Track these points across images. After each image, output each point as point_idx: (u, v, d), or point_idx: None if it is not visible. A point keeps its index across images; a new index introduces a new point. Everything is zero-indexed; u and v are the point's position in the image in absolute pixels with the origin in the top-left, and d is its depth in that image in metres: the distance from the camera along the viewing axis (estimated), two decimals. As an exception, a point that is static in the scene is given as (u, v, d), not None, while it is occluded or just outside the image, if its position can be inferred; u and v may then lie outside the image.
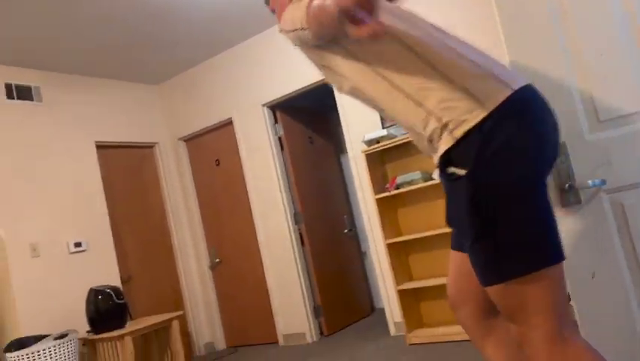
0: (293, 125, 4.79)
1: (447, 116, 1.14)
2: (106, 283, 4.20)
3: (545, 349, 1.09)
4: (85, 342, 3.74)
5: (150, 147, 5.12)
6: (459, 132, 1.12)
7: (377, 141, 3.70)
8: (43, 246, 3.95)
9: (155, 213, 4.99)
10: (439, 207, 3.75)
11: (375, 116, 3.97)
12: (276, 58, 4.47)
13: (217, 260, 5.01)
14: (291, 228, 4.50)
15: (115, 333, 3.54)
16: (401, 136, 3.64)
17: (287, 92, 4.45)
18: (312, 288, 4.53)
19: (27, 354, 3.28)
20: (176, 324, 3.90)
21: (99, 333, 3.65)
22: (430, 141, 1.18)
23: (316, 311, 4.50)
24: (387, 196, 3.76)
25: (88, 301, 3.68)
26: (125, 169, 4.85)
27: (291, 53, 4.33)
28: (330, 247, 4.81)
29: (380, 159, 3.93)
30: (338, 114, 5.38)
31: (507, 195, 1.09)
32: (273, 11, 1.52)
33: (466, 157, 1.12)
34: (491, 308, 1.33)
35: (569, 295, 1.17)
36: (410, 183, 3.61)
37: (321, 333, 4.50)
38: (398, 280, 3.67)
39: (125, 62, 4.51)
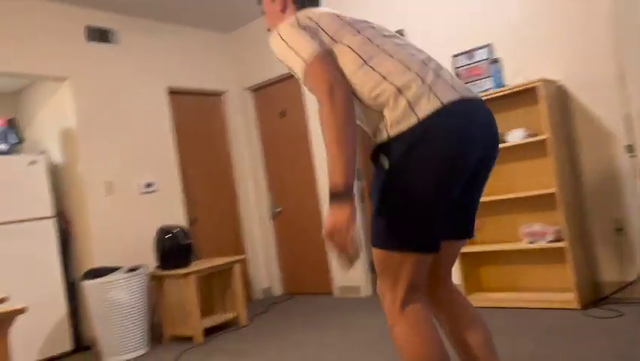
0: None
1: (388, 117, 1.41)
2: (173, 224, 4.40)
3: (391, 310, 1.44)
4: (152, 277, 3.97)
5: (219, 95, 5.20)
6: (393, 132, 1.39)
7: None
8: (117, 184, 4.16)
9: (221, 159, 5.12)
10: (508, 171, 3.60)
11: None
12: (351, 8, 4.35)
13: (278, 209, 5.12)
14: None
15: (181, 271, 3.72)
16: (475, 95, 3.48)
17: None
18: (369, 244, 4.54)
19: (102, 283, 3.53)
20: (237, 267, 4.05)
21: (166, 270, 3.85)
22: (376, 131, 1.46)
23: (372, 266, 4.54)
24: (454, 157, 3.64)
25: (157, 240, 3.87)
26: (195, 115, 4.97)
27: (337, 6, 4.20)
28: (391, 205, 4.77)
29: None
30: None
31: (405, 195, 1.38)
32: (269, 30, 1.78)
33: (392, 155, 1.39)
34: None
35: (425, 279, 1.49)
36: (481, 144, 3.47)
37: (375, 288, 4.54)
38: (459, 243, 3.60)
39: (199, 8, 4.53)
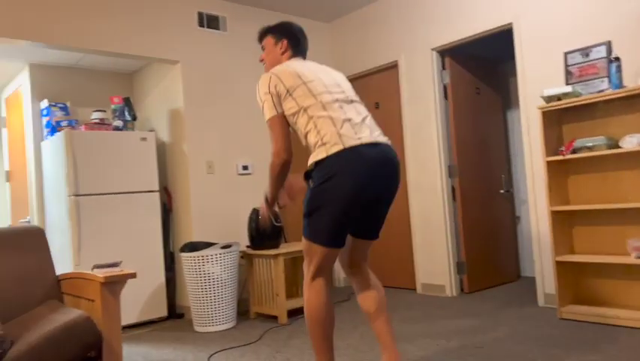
0: (461, 73, 4.56)
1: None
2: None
3: (306, 280, 2.17)
4: (243, 255, 4.14)
5: (315, 83, 5.28)
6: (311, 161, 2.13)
7: (558, 98, 3.36)
8: (217, 165, 4.38)
9: (312, 147, 5.21)
10: (618, 179, 3.35)
11: (559, 70, 3.61)
12: (451, 1, 4.23)
13: (365, 201, 5.12)
14: (444, 180, 4.40)
15: (271, 252, 3.85)
16: (587, 95, 3.27)
17: (459, 38, 4.22)
18: (458, 243, 4.44)
19: (198, 256, 3.74)
20: (323, 254, 4.11)
21: (256, 249, 4.00)
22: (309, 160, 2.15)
23: (459, 267, 4.43)
24: (559, 160, 3.45)
25: (250, 220, 4.04)
26: (291, 102, 5.09)
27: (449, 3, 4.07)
28: (482, 206, 4.62)
29: (557, 118, 3.59)
30: (511, 65, 5.02)
31: (317, 207, 2.06)
32: (262, 61, 2.48)
33: (313, 179, 2.11)
34: (352, 262, 2.34)
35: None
36: (591, 148, 3.26)
37: (461, 289, 4.44)
38: (557, 251, 3.42)
39: (303, -3, 4.62)
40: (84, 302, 2.20)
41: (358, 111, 2.19)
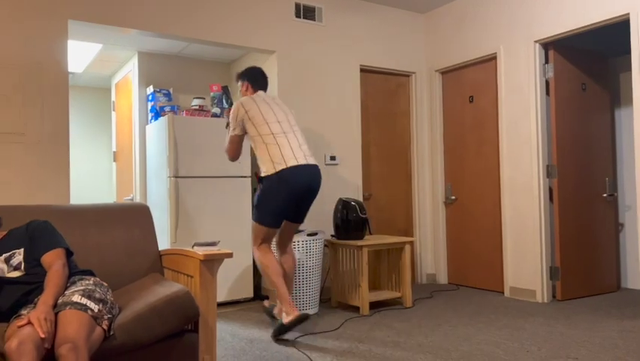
0: (566, 67, 4.28)
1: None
2: (352, 197, 4.58)
3: (254, 247, 3.35)
4: (328, 244, 4.20)
5: (408, 75, 5.20)
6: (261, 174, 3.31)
7: (680, 96, 3.06)
8: (306, 153, 4.45)
9: (401, 140, 5.15)
10: None
11: (682, 67, 3.27)
12: (563, -11, 3.97)
13: (453, 197, 5.00)
14: (542, 180, 4.17)
15: (356, 242, 3.87)
16: None
17: (566, 30, 3.96)
18: (553, 247, 4.21)
19: (285, 242, 3.83)
20: (408, 248, 4.07)
21: (341, 239, 4.04)
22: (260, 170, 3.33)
23: (552, 272, 4.19)
24: (677, 164, 3.15)
25: (336, 210, 4.07)
26: (382, 94, 5.06)
27: (584, -16, 3.79)
28: (583, 210, 4.33)
29: (677, 118, 3.27)
30: (623, 60, 4.65)
31: (265, 202, 3.25)
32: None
33: (263, 183, 3.28)
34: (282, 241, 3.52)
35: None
36: None
37: (554, 296, 4.20)
38: (669, 263, 3.13)
39: (399, -13, 4.54)
40: (183, 277, 2.33)
41: (297, 138, 3.31)
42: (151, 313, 1.94)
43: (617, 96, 4.77)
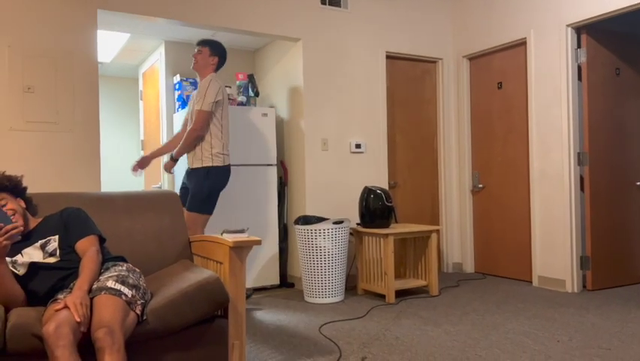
0: (599, 51, 4.16)
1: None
2: (377, 185, 4.56)
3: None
4: (353, 232, 4.19)
5: (434, 62, 5.13)
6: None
7: None
8: (331, 142, 4.45)
9: (427, 127, 5.09)
10: None
11: None
12: (597, -30, 3.84)
13: (480, 185, 4.93)
14: (572, 168, 4.08)
15: (382, 231, 3.86)
16: None
17: (600, 13, 3.84)
18: (583, 236, 4.12)
19: (310, 230, 3.85)
20: (434, 237, 4.04)
21: (367, 227, 4.03)
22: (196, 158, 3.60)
23: (583, 262, 4.11)
24: None
25: (361, 198, 4.06)
26: (408, 81, 5.00)
27: (620, -35, 3.66)
28: (615, 198, 4.23)
29: None
30: (661, 44, 4.49)
31: (200, 191, 3.51)
32: (194, 57, 3.65)
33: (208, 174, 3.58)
34: None
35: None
36: None
37: (584, 286, 4.13)
38: None
39: (426, -29, 4.46)
40: (212, 264, 2.36)
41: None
42: (182, 299, 1.97)
43: (653, 81, 4.61)
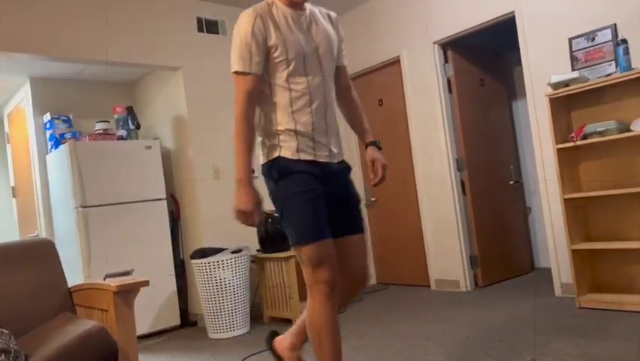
0: (464, 65, 4.52)
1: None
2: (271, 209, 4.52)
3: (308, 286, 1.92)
4: (254, 259, 4.11)
5: (317, 83, 5.24)
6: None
7: (566, 84, 3.32)
8: (223, 170, 4.35)
9: (318, 148, 5.16)
10: (631, 164, 3.30)
11: (565, 57, 3.56)
12: (454, -8, 4.19)
13: (373, 199, 5.09)
14: (453, 174, 4.36)
15: (282, 254, 3.82)
16: (595, 80, 3.22)
17: (460, 30, 4.19)
18: (470, 237, 4.40)
19: (209, 262, 3.71)
20: (334, 254, 4.07)
21: (267, 253, 3.96)
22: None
23: (472, 261, 4.38)
24: (570, 147, 3.40)
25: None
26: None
27: (472, -14, 4.02)
28: (492, 198, 4.57)
29: (565, 105, 3.54)
30: (515, 54, 4.96)
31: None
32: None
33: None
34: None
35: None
36: (602, 133, 3.21)
37: (476, 283, 4.39)
38: (572, 240, 3.37)
39: (301, -3, 4.57)
40: (97, 313, 2.17)
41: None
42: (62, 356, 1.77)
43: (513, 89, 5.10)
